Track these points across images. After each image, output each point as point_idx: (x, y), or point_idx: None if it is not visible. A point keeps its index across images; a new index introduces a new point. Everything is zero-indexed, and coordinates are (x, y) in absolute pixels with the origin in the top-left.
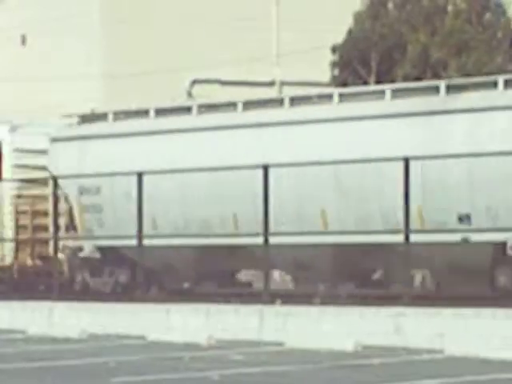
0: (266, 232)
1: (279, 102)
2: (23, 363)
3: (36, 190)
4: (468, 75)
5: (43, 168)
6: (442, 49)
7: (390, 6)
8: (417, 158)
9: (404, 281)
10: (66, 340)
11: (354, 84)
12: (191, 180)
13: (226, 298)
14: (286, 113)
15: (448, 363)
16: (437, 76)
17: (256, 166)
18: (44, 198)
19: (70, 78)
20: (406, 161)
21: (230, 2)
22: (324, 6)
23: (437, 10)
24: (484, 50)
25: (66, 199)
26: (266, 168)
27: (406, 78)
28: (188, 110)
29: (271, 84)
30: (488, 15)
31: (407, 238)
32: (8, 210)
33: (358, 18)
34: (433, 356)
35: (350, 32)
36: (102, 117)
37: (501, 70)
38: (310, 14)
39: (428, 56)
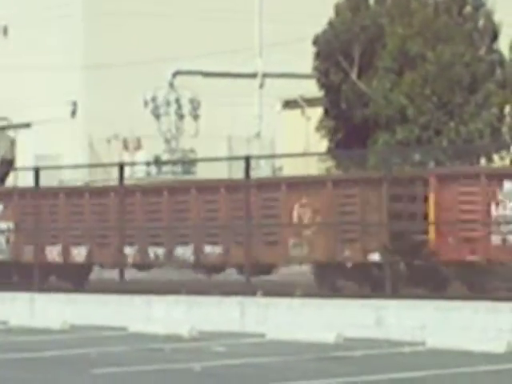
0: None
1: None
2: (4, 354)
3: None
4: (445, 67)
5: None
6: (418, 40)
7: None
8: None
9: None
10: (48, 331)
11: (336, 76)
12: None
13: (208, 290)
14: None
15: (429, 355)
16: (415, 69)
17: None
18: None
19: (52, 69)
20: None
21: None
22: None
23: (416, 1)
24: (465, 42)
25: None
26: None
27: (387, 71)
28: None
29: (254, 75)
30: (468, 7)
31: None
32: None
33: (338, 9)
34: (414, 348)
35: (330, 23)
36: None
37: (481, 61)
38: (293, 5)
39: (407, 49)
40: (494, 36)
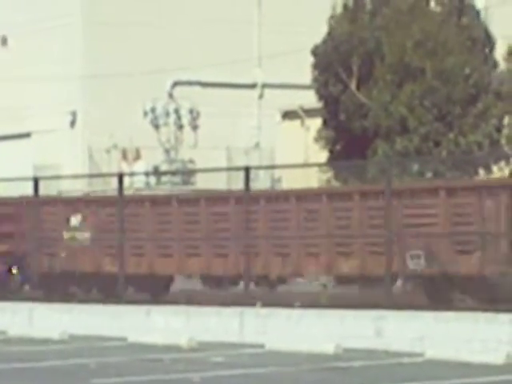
0: None
1: None
2: (3, 364)
3: None
4: (446, 79)
5: None
6: (418, 51)
7: (367, 9)
8: None
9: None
10: (47, 341)
11: (335, 87)
12: None
13: (207, 300)
14: None
15: (428, 366)
16: (415, 80)
17: None
18: None
19: (51, 79)
20: None
21: (211, 4)
22: (306, 7)
23: (412, 13)
24: (463, 53)
25: None
26: None
27: (387, 83)
28: None
29: (253, 86)
30: (465, 18)
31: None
32: None
33: (333, 21)
34: (413, 359)
35: (328, 35)
36: None
37: (479, 73)
38: (292, 15)
39: (407, 62)
40: (492, 47)
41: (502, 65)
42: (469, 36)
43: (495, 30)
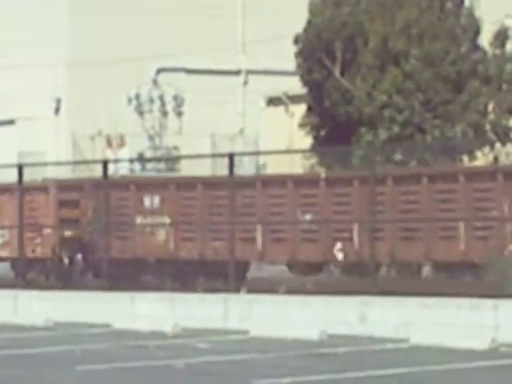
0: None
1: None
2: None
3: None
4: (432, 65)
5: None
6: (401, 38)
7: None
8: None
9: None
10: (31, 328)
11: (319, 73)
12: None
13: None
14: None
15: (413, 352)
16: (398, 65)
17: None
18: None
19: (36, 66)
20: None
21: None
22: None
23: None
24: (448, 38)
25: None
26: None
27: (369, 68)
28: None
29: (237, 72)
30: (450, 3)
31: None
32: None
33: (314, 7)
34: (398, 345)
35: (309, 22)
36: None
37: (466, 59)
38: (276, 2)
39: (390, 47)
40: (476, 32)
41: (489, 50)
42: (454, 21)
43: (483, 15)
